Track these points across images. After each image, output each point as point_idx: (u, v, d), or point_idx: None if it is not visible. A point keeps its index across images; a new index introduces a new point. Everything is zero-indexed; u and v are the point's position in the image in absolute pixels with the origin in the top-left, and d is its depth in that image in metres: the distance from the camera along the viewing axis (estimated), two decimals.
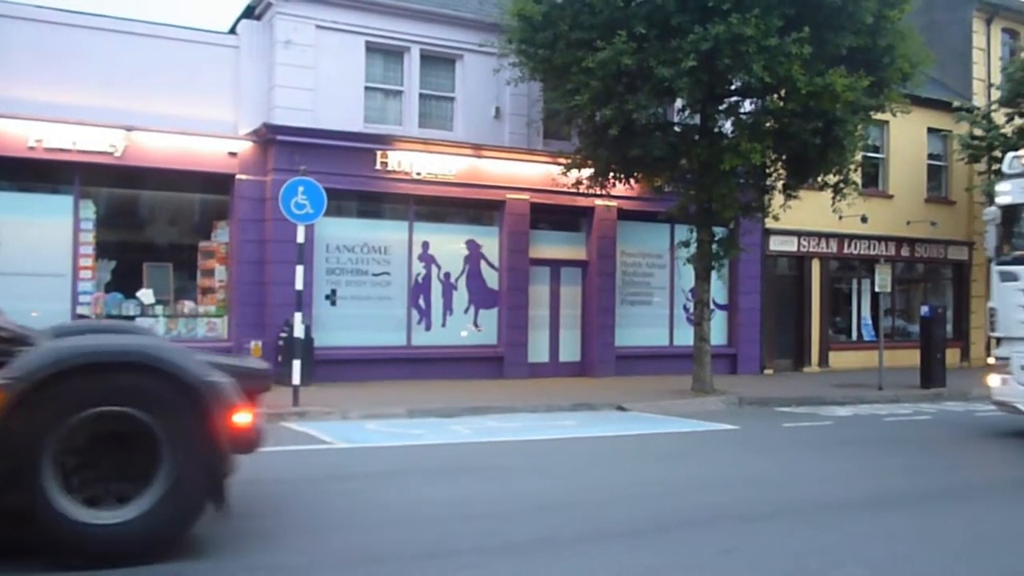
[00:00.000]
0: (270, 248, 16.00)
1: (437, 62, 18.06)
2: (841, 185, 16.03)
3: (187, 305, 16.29)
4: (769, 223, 18.90)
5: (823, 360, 22.48)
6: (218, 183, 16.41)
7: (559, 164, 16.75)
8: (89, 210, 15.48)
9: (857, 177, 17.39)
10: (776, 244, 21.56)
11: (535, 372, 18.30)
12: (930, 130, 24.42)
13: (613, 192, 17.21)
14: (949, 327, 22.46)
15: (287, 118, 16.13)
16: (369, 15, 17.14)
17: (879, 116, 16.92)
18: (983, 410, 14.43)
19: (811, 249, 22.26)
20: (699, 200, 15.89)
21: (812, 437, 12.02)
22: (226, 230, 16.59)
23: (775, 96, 14.94)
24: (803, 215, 19.42)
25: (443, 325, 17.89)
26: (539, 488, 8.18)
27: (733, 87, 15.34)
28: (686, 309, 19.85)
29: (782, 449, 11.04)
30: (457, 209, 18.29)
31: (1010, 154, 12.18)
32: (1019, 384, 11.51)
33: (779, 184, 16.55)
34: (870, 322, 23.41)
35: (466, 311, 18.16)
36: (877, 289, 18.69)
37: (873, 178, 23.46)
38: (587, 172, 16.36)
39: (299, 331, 13.10)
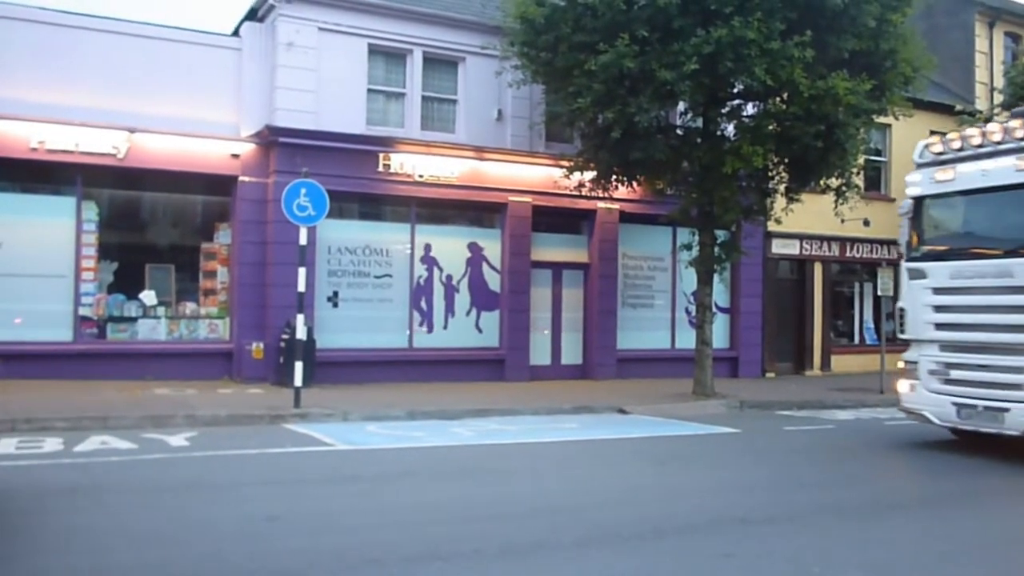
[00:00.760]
0: (272, 250, 16.01)
1: (439, 64, 18.08)
2: (843, 188, 16.03)
3: (189, 307, 16.31)
4: (771, 226, 18.90)
5: (825, 364, 22.46)
6: (220, 185, 16.44)
7: (561, 167, 16.76)
8: (92, 211, 15.51)
9: (859, 180, 17.39)
10: (778, 247, 21.56)
11: (536, 374, 18.29)
12: (932, 133, 24.30)
13: (615, 195, 17.22)
14: None
15: (289, 120, 16.15)
16: (371, 17, 17.16)
17: (881, 120, 16.93)
18: None
19: (813, 252, 22.26)
20: (701, 203, 15.89)
21: (813, 441, 12.01)
22: (228, 232, 16.61)
23: (777, 99, 14.93)
24: (805, 218, 19.41)
25: (444, 327, 17.89)
26: (539, 491, 8.18)
27: (735, 90, 15.34)
28: (688, 312, 19.85)
29: (782, 453, 11.03)
30: (459, 211, 18.30)
31: (921, 142, 11.36)
32: (927, 391, 10.73)
33: (781, 187, 16.54)
34: (872, 325, 23.41)
35: (468, 314, 18.16)
36: (879, 292, 18.68)
37: (875, 181, 23.46)
38: (589, 175, 16.37)
39: (301, 333, 13.11)
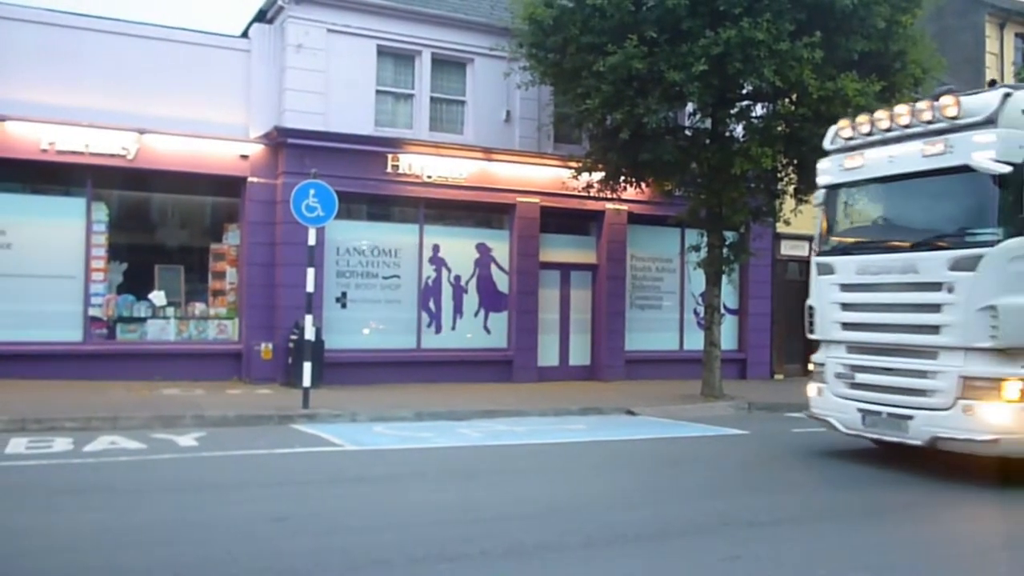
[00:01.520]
0: (281, 251, 16.05)
1: (448, 66, 18.10)
2: None
3: (198, 307, 16.36)
4: (780, 227, 18.83)
5: None
6: (229, 186, 16.48)
7: (569, 168, 16.76)
8: (101, 212, 15.57)
9: None
10: (787, 249, 21.49)
11: (544, 376, 18.29)
12: None
13: (623, 196, 17.21)
14: None
15: (298, 121, 16.19)
16: (380, 19, 17.18)
17: None
18: None
19: None
20: (709, 204, 15.87)
21: (820, 442, 11.96)
22: (237, 233, 16.66)
23: (786, 100, 14.91)
24: (814, 220, 19.30)
25: (453, 328, 17.90)
26: (546, 492, 8.17)
27: (744, 91, 15.31)
28: (696, 313, 19.82)
29: (790, 454, 10.99)
30: (467, 212, 18.31)
31: (832, 128, 10.55)
32: (834, 396, 10.06)
33: (790, 188, 16.50)
34: None
35: (476, 314, 18.17)
36: None
37: None
38: (597, 176, 16.36)
39: (310, 333, 13.14)
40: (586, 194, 16.81)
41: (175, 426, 11.31)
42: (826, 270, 10.31)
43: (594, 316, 19.24)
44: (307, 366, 12.85)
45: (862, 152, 9.93)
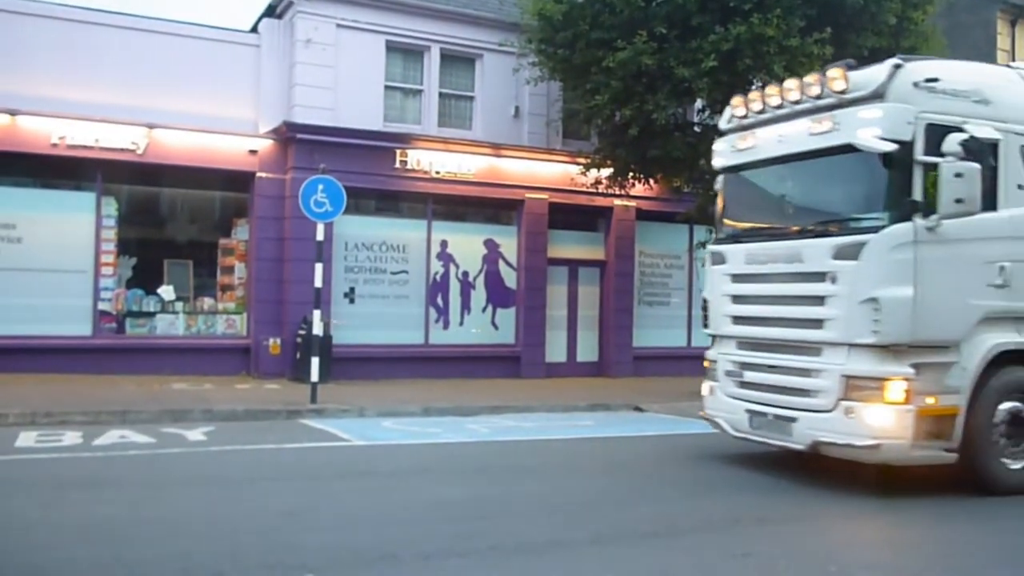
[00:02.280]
0: (289, 246, 16.07)
1: (457, 61, 18.08)
2: None
3: (207, 302, 16.40)
4: None
5: None
6: (238, 181, 16.51)
7: (578, 164, 16.74)
8: (111, 207, 15.61)
9: None
10: None
11: (552, 372, 18.28)
12: None
13: (632, 192, 17.17)
14: None
15: (307, 116, 16.20)
16: (390, 14, 17.18)
17: None
18: None
19: None
20: None
21: None
22: (246, 227, 16.69)
23: None
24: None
25: (461, 324, 17.90)
26: (555, 488, 8.16)
27: (754, 88, 15.24)
28: (704, 310, 19.73)
29: (795, 452, 10.94)
30: (475, 208, 18.30)
31: (729, 108, 9.66)
32: (725, 395, 9.22)
33: None
34: None
35: (484, 310, 18.17)
36: None
37: None
38: (606, 172, 16.33)
39: (318, 328, 13.16)
40: (595, 190, 16.79)
41: (184, 420, 11.34)
42: (718, 259, 9.42)
43: (602, 312, 19.22)
44: (315, 361, 12.86)
45: (754, 131, 9.05)
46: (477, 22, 17.89)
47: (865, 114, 7.77)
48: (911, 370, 7.53)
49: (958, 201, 7.49)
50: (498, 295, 18.29)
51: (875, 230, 7.67)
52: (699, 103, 15.83)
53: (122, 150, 15.14)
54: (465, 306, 17.99)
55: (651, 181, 16.65)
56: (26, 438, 9.75)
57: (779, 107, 8.74)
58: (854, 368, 7.72)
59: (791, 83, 8.58)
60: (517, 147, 17.89)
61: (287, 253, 16.15)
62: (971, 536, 6.85)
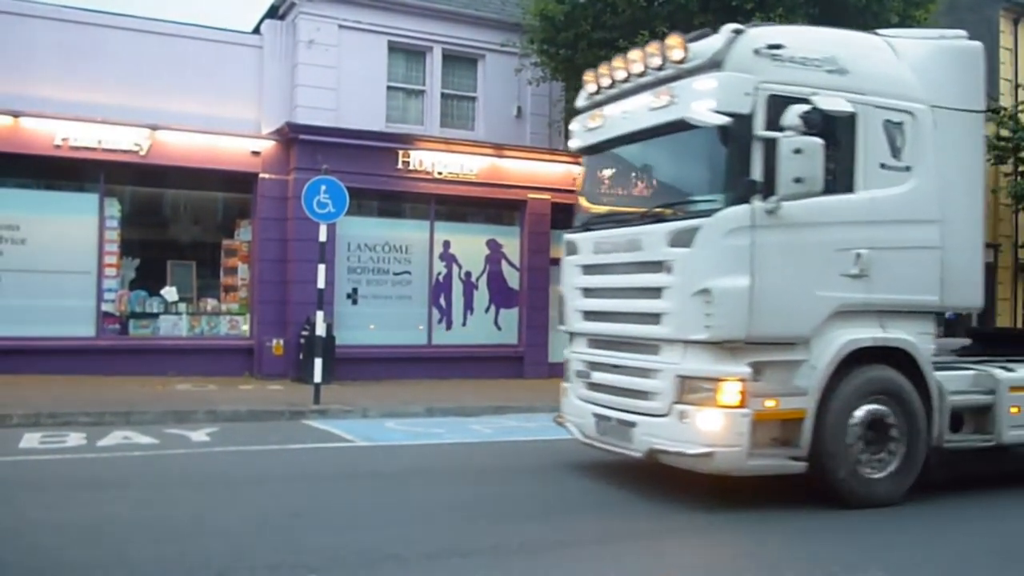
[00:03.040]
0: (292, 247, 16.08)
1: (459, 62, 18.10)
2: None
3: (210, 303, 16.41)
4: None
5: None
6: (241, 182, 16.51)
7: (580, 164, 16.70)
8: (114, 208, 15.63)
9: None
10: None
11: (555, 372, 18.17)
12: None
13: None
14: None
15: (310, 117, 16.22)
16: (392, 15, 17.20)
17: None
18: None
19: None
20: None
21: None
22: (248, 228, 16.70)
23: None
24: None
25: (463, 324, 17.90)
26: (559, 488, 8.16)
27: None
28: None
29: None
30: (478, 209, 18.30)
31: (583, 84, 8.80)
32: (575, 397, 8.46)
33: None
34: None
35: (486, 311, 18.16)
36: None
37: None
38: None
39: (321, 329, 13.16)
40: None
41: (188, 421, 11.35)
42: (571, 249, 8.60)
43: None
44: (318, 362, 12.87)
45: (602, 109, 8.28)
46: (479, 22, 17.90)
47: (699, 85, 7.02)
48: (748, 370, 6.75)
49: (798, 180, 6.65)
50: (501, 295, 18.29)
51: (709, 214, 6.87)
52: None
53: (125, 151, 15.15)
54: (468, 306, 17.99)
55: None
56: (30, 439, 9.77)
57: (625, 81, 7.91)
58: (688, 368, 6.96)
59: (635, 54, 7.74)
60: (519, 147, 17.90)
61: (290, 254, 16.16)
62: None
